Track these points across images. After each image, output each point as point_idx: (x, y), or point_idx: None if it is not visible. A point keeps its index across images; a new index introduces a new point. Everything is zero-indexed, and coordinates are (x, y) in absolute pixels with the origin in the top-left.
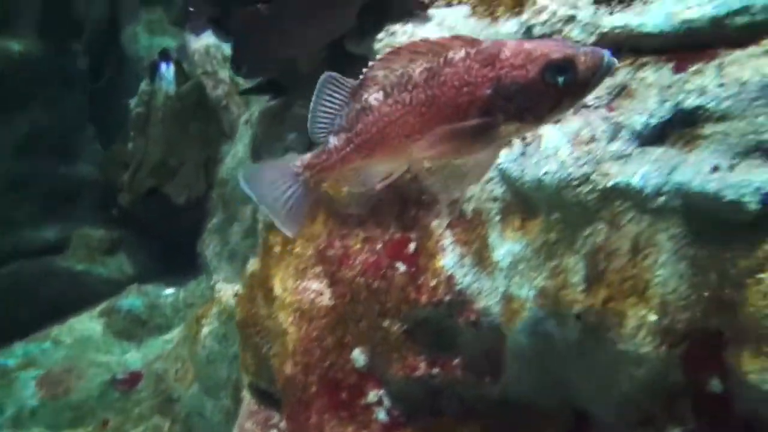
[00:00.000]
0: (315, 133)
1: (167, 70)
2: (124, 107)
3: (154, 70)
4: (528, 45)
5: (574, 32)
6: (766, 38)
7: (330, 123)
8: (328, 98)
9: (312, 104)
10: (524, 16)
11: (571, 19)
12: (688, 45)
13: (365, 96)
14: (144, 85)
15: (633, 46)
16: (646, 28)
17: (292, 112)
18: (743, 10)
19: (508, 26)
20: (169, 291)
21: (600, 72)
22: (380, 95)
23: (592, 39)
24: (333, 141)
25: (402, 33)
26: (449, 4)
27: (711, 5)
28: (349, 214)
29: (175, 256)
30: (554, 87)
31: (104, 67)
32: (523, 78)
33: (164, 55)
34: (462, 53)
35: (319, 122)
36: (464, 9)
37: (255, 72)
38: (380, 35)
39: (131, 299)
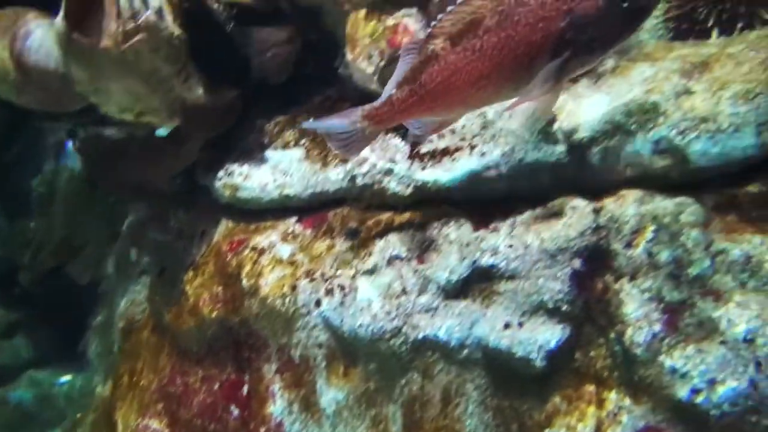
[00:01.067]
0: None
1: (73, 149)
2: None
3: (59, 149)
4: None
5: (392, 184)
6: (557, 197)
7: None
8: (407, 62)
9: (395, 73)
10: (348, 165)
11: (389, 171)
12: (489, 200)
13: (431, 47)
14: (48, 164)
15: (444, 199)
16: (453, 184)
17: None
18: (533, 172)
19: (336, 172)
20: (66, 378)
21: None
22: (447, 44)
23: (409, 191)
24: (396, 93)
25: (239, 174)
26: (285, 146)
27: (506, 166)
28: (190, 350)
29: (77, 338)
30: (620, 13)
31: (12, 143)
32: (593, 7)
33: (71, 134)
34: None
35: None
36: (298, 152)
37: (111, 191)
38: (220, 174)
39: (21, 391)
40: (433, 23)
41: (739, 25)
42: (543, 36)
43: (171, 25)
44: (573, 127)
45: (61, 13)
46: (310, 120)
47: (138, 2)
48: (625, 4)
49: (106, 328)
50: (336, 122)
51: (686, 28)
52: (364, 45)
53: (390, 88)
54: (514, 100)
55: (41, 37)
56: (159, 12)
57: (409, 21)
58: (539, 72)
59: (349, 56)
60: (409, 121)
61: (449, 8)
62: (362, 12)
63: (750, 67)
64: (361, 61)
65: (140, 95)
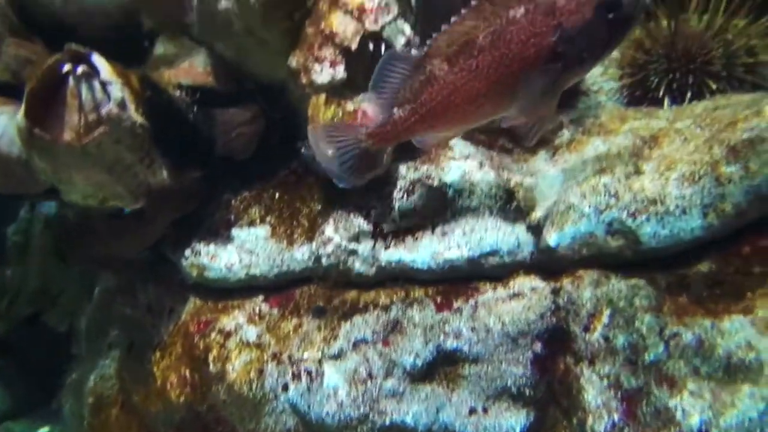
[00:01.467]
0: (379, 105)
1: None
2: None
3: (34, 197)
4: None
5: (356, 264)
6: (516, 277)
7: (391, 96)
8: (390, 73)
9: (373, 79)
10: (314, 245)
11: (353, 252)
12: (451, 279)
13: (429, 67)
14: (23, 212)
15: (408, 278)
16: (416, 264)
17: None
18: (493, 253)
19: (302, 251)
20: (44, 430)
21: (640, 4)
22: (444, 65)
23: (374, 270)
24: (397, 112)
25: (205, 254)
26: (251, 224)
27: (467, 247)
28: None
29: (54, 388)
30: (606, 23)
31: None
32: (581, 20)
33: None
34: (522, 10)
35: (382, 95)
36: (264, 230)
37: (79, 264)
38: (187, 252)
39: None
40: (428, 43)
41: (689, 95)
42: (535, 51)
43: (133, 114)
44: (530, 206)
45: (22, 109)
46: (314, 127)
47: (100, 93)
48: (611, 15)
49: (78, 388)
50: (341, 134)
51: (639, 95)
52: None
53: (370, 96)
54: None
55: (4, 124)
56: (121, 103)
57: (368, 106)
58: (533, 86)
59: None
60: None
61: (443, 28)
62: (322, 97)
63: (695, 146)
64: None
65: (103, 184)
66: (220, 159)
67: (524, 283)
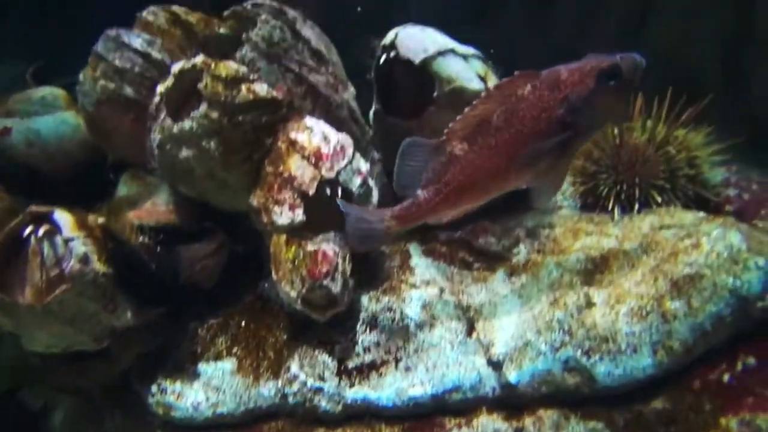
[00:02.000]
0: (402, 189)
1: None
2: None
3: None
4: (577, 65)
5: (322, 402)
6: (479, 414)
7: (414, 179)
8: (411, 158)
9: (396, 166)
10: (280, 382)
11: (319, 390)
12: (416, 416)
13: (449, 149)
14: None
15: (374, 414)
16: (381, 402)
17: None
18: (456, 389)
19: (269, 387)
20: None
21: (638, 69)
22: (464, 145)
23: (339, 408)
24: (422, 194)
25: (171, 392)
26: (218, 357)
27: (430, 384)
28: None
29: None
30: (609, 90)
31: None
32: (585, 90)
33: None
34: (529, 87)
35: (404, 180)
36: (230, 364)
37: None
38: (153, 389)
39: None
40: (446, 130)
41: (636, 207)
42: (546, 124)
43: (96, 264)
44: (491, 340)
45: None
46: (345, 204)
47: (62, 249)
48: (612, 83)
49: None
50: (366, 216)
51: (591, 202)
52: (287, 269)
53: (396, 182)
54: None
55: None
56: (83, 258)
57: (327, 247)
58: (546, 155)
59: (274, 275)
60: None
61: (458, 116)
62: (283, 237)
63: (642, 274)
64: (284, 284)
65: (66, 334)
66: (185, 288)
67: (487, 423)
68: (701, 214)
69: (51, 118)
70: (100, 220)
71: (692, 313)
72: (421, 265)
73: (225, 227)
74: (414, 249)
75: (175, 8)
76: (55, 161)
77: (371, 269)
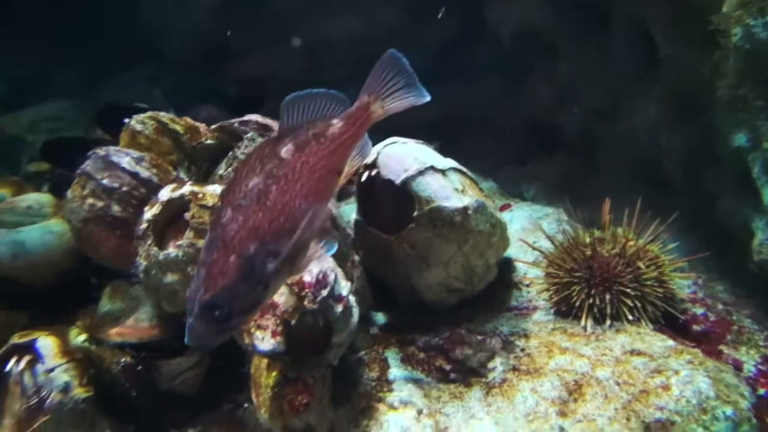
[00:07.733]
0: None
1: None
2: None
3: None
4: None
5: None
6: None
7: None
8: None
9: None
10: None
11: None
12: None
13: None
14: None
15: None
16: None
17: None
18: None
19: None
20: None
21: None
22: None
23: None
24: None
25: None
26: None
27: None
28: None
29: None
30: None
31: None
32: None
33: None
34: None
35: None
36: None
37: None
38: None
39: None
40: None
41: (608, 322)
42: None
43: (77, 390)
44: None
45: None
46: None
47: (42, 377)
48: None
49: None
50: None
51: (565, 310)
52: (267, 396)
53: None
54: None
55: None
56: (65, 388)
57: (308, 375)
58: None
59: (254, 398)
60: None
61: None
62: (264, 361)
63: (615, 410)
64: (264, 412)
65: None
66: (167, 395)
67: None
68: (670, 342)
69: (36, 228)
70: (83, 338)
71: None
72: (399, 378)
73: None
74: (392, 357)
75: (162, 116)
76: (38, 271)
77: (349, 380)
